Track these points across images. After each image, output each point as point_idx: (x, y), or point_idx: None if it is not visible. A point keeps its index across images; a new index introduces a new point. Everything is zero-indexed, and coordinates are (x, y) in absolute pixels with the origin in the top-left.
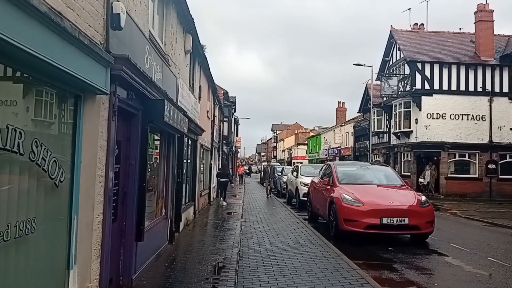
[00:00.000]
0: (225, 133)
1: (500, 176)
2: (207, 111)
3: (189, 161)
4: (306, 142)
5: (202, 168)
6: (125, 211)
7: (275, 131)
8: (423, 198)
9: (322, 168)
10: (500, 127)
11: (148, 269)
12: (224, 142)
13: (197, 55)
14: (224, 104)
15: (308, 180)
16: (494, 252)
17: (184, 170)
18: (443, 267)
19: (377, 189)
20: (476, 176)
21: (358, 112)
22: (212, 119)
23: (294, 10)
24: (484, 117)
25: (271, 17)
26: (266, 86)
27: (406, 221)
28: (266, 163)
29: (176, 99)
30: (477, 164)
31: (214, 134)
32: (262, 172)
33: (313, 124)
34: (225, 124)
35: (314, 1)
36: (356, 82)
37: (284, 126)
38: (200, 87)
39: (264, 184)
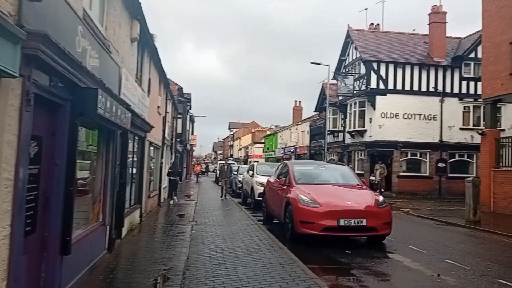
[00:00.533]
0: (179, 130)
1: (449, 175)
2: (158, 107)
3: (135, 160)
4: (263, 141)
5: (152, 168)
6: (47, 220)
7: (232, 130)
8: (381, 198)
9: (278, 167)
10: (450, 127)
11: (79, 284)
12: (178, 140)
13: (146, 45)
14: (179, 101)
15: (264, 180)
16: (451, 254)
17: (130, 170)
18: (403, 272)
19: (334, 189)
20: (427, 174)
21: (314, 111)
22: (164, 115)
23: (253, 9)
24: (436, 117)
25: (230, 16)
26: (224, 85)
27: (364, 222)
28: (223, 162)
29: (118, 91)
30: (427, 163)
31: (166, 131)
32: (218, 171)
33: (270, 122)
34: (179, 121)
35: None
36: (313, 82)
37: (241, 125)
38: (149, 80)
39: (220, 184)
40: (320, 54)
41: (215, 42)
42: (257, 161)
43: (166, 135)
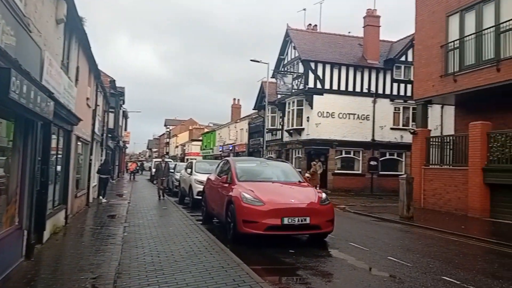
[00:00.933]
0: (111, 125)
1: (380, 172)
2: (87, 98)
3: (60, 156)
4: (200, 138)
5: (80, 165)
6: None
7: (168, 126)
8: (324, 195)
9: (219, 164)
10: (382, 126)
11: None
12: (110, 135)
13: (75, 29)
14: (111, 94)
15: (203, 178)
16: (393, 251)
17: (54, 167)
18: (349, 272)
19: (277, 186)
20: (360, 172)
21: (253, 109)
22: (94, 108)
23: (191, 6)
24: (368, 117)
25: (167, 11)
26: (160, 81)
27: (307, 220)
28: (159, 159)
29: (39, 76)
30: (360, 161)
31: (96, 125)
32: (154, 170)
33: (208, 120)
34: (111, 115)
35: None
36: (251, 81)
37: (178, 122)
38: (77, 68)
39: (155, 183)
40: (258, 53)
41: (152, 37)
42: (195, 159)
43: (96, 130)
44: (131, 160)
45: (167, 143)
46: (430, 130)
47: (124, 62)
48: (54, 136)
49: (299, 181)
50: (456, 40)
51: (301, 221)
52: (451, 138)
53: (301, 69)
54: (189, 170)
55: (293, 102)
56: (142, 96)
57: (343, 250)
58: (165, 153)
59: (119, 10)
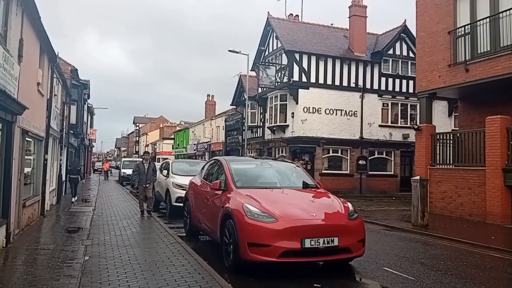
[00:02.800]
0: (73, 121)
1: (369, 172)
2: (38, 84)
3: None
4: (172, 137)
5: (31, 166)
6: None
7: (137, 124)
8: (350, 206)
9: (206, 165)
10: (370, 123)
11: None
12: (72, 132)
13: None
14: (73, 85)
15: (184, 181)
16: (445, 278)
17: None
18: None
19: (289, 194)
20: (348, 172)
21: (231, 105)
22: (48, 97)
23: (163, 4)
24: (356, 113)
25: (138, 9)
26: (130, 79)
27: (336, 241)
28: (141, 159)
29: None
30: (348, 160)
31: (53, 118)
32: (133, 172)
33: (179, 119)
34: (73, 109)
35: None
36: (224, 80)
37: (148, 119)
38: (21, 41)
39: (135, 187)
40: (230, 54)
41: (120, 34)
42: (167, 158)
43: (52, 124)
44: (104, 159)
45: (137, 142)
46: (435, 126)
47: (92, 59)
48: None
49: (314, 187)
50: (467, 25)
51: (328, 243)
52: (462, 134)
53: (284, 60)
54: (165, 172)
55: (276, 96)
56: (110, 93)
57: (384, 281)
58: (134, 152)
59: (87, 7)
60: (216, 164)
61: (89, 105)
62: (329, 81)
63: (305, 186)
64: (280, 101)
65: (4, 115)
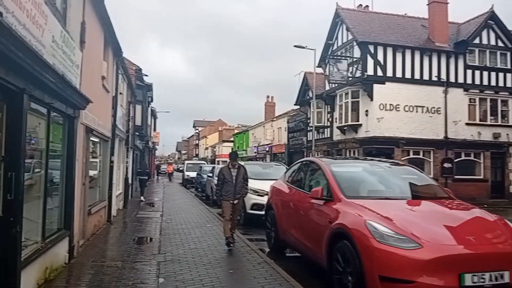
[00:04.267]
0: (138, 122)
1: (456, 176)
2: (103, 77)
3: (55, 154)
4: (232, 139)
5: (97, 169)
6: None
7: (197, 128)
8: None
9: (292, 168)
10: (456, 121)
11: None
12: (137, 134)
13: None
14: (137, 86)
15: (259, 185)
16: None
17: (42, 172)
18: None
19: (422, 209)
20: (431, 176)
21: (294, 104)
22: (113, 94)
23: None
24: (439, 110)
25: (195, 17)
26: (188, 86)
27: (506, 277)
28: (225, 164)
29: None
30: (432, 163)
31: (119, 118)
32: (216, 180)
33: (236, 122)
34: (138, 110)
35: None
36: (277, 83)
37: (207, 123)
38: (83, 24)
39: (221, 209)
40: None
41: (180, 42)
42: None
43: (118, 124)
44: (167, 162)
45: (197, 145)
46: None
47: (153, 66)
48: (35, 119)
49: (448, 197)
50: None
51: (496, 279)
52: None
53: (357, 53)
54: None
55: (347, 93)
56: (170, 99)
57: None
58: (194, 155)
59: (148, 16)
60: (308, 166)
61: (152, 108)
62: (407, 75)
63: (436, 196)
64: (352, 98)
65: (64, 108)
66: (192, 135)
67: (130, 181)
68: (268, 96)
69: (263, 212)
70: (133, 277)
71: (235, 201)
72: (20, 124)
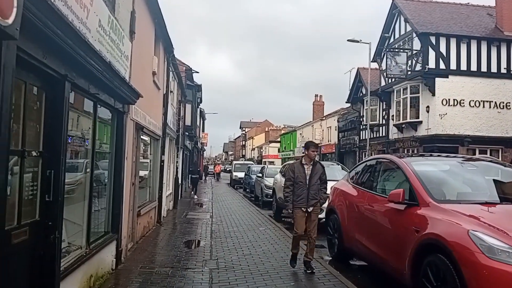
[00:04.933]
0: (188, 122)
1: None
2: (154, 73)
3: (103, 151)
4: (278, 140)
5: (148, 168)
6: None
7: (243, 129)
8: None
9: (360, 167)
10: None
11: None
12: (187, 134)
13: None
14: (187, 85)
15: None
16: None
17: (86, 171)
18: None
19: None
20: None
21: (346, 102)
22: (164, 91)
23: (264, 13)
24: (509, 105)
25: (242, 20)
26: (235, 88)
27: None
28: (303, 158)
29: None
30: None
31: (170, 117)
32: (286, 181)
33: (282, 122)
34: (188, 109)
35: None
36: (323, 83)
37: (253, 124)
38: (133, 13)
39: (288, 210)
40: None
41: (227, 45)
42: (273, 162)
43: (169, 122)
44: (214, 162)
45: (243, 146)
46: None
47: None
48: (79, 113)
49: None
50: None
51: None
52: None
53: (416, 45)
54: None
55: (405, 88)
56: (218, 102)
57: None
58: (241, 156)
59: (198, 21)
60: (380, 165)
61: (201, 109)
62: (473, 67)
63: None
64: (411, 93)
65: (112, 102)
66: (239, 136)
67: (180, 181)
68: (316, 95)
69: (320, 215)
70: (183, 287)
71: (310, 209)
72: (61, 115)
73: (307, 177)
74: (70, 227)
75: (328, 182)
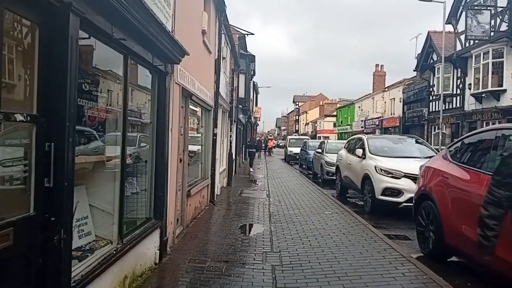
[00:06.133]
0: (242, 94)
1: None
2: (203, 31)
3: (141, 122)
4: (334, 114)
5: (200, 142)
6: None
7: (297, 103)
8: None
9: (467, 140)
10: None
11: None
12: (241, 107)
13: None
14: (241, 54)
15: (397, 165)
16: None
17: (120, 146)
18: None
19: None
20: None
21: (414, 70)
22: (216, 56)
23: None
24: None
25: None
26: (289, 61)
27: None
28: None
29: None
30: None
31: (222, 86)
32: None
33: (338, 96)
34: (242, 81)
35: None
36: (382, 56)
37: (307, 98)
38: None
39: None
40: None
41: (282, 18)
42: (328, 137)
43: (221, 92)
44: (267, 137)
45: (297, 121)
46: None
47: (256, 44)
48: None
49: None
50: None
51: None
52: None
53: (502, 2)
54: (359, 151)
55: (486, 53)
56: (271, 76)
57: None
58: (294, 131)
59: None
60: (505, 139)
61: (254, 82)
62: None
63: None
64: (493, 58)
65: (150, 57)
66: (292, 111)
67: (234, 157)
68: (377, 65)
69: (398, 199)
70: (239, 283)
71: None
72: (64, 60)
73: None
74: (95, 217)
75: (406, 159)
